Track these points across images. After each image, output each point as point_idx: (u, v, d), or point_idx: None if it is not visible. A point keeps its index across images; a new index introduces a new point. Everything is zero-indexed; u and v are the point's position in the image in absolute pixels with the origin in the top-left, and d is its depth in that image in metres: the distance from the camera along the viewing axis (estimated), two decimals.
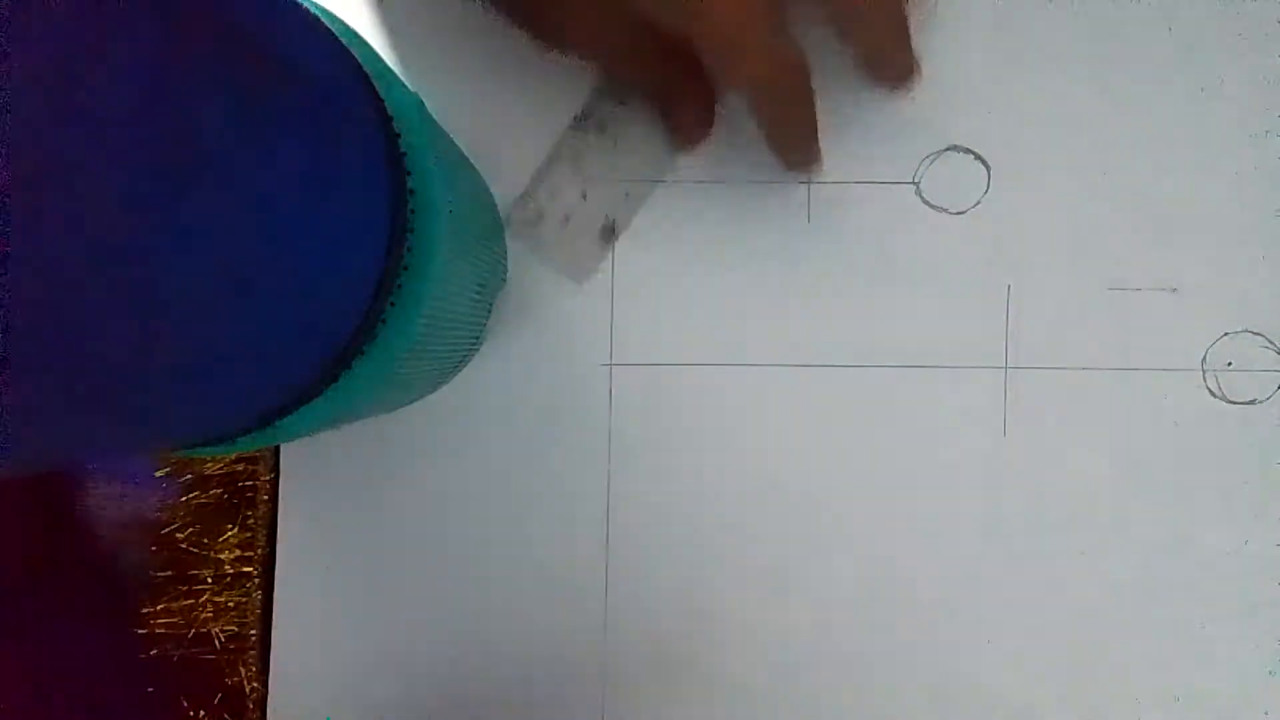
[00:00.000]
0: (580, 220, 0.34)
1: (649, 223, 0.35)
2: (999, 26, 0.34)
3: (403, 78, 0.24)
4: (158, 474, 0.36)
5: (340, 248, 0.21)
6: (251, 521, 0.35)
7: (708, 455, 0.35)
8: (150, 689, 0.35)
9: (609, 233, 0.34)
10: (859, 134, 0.34)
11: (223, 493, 0.36)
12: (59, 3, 0.13)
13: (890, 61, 0.31)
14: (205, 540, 0.36)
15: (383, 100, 0.23)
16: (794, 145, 0.32)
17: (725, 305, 0.35)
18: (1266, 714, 0.34)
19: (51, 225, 0.13)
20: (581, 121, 0.34)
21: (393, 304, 0.23)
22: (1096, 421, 0.34)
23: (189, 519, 0.36)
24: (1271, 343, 0.34)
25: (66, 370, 0.15)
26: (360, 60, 0.23)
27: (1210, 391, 0.34)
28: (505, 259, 0.34)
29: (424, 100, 0.25)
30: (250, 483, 0.35)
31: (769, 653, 0.35)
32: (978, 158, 0.34)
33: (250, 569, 0.35)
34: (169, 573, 0.36)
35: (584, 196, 0.34)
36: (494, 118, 0.35)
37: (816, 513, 0.35)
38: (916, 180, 0.34)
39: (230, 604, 0.35)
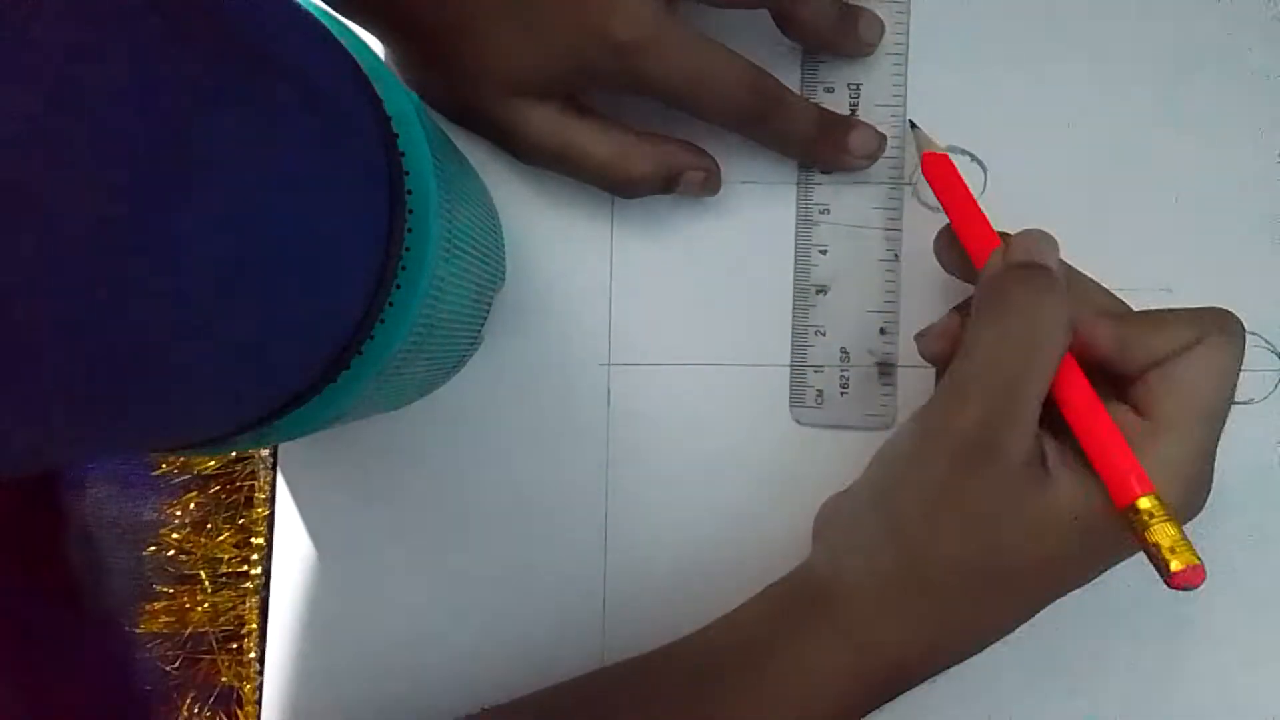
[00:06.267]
0: (855, 376, 0.34)
1: (648, 224, 0.35)
2: (996, 27, 0.35)
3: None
4: (155, 474, 0.36)
5: (338, 248, 0.21)
6: (249, 522, 0.35)
7: (705, 455, 0.35)
8: (147, 688, 0.35)
9: (887, 369, 0.34)
10: None
11: (221, 493, 0.36)
12: (60, 3, 0.13)
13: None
14: (203, 540, 0.36)
15: (381, 101, 0.23)
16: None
17: (724, 305, 0.35)
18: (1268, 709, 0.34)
19: (51, 225, 0.13)
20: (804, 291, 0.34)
21: (390, 304, 0.23)
22: None
23: (186, 519, 0.36)
24: (1268, 342, 0.34)
25: (66, 370, 0.15)
26: (359, 61, 0.23)
27: None
28: (503, 259, 0.34)
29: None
30: (249, 483, 0.35)
31: None
32: (974, 159, 0.34)
33: (247, 569, 0.35)
34: (166, 572, 0.36)
35: (844, 353, 0.34)
36: None
37: (812, 512, 0.35)
38: (913, 181, 0.34)
39: (227, 604, 0.35)
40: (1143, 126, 0.34)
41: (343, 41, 0.23)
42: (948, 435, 0.26)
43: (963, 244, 0.30)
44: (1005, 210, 0.34)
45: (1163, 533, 0.24)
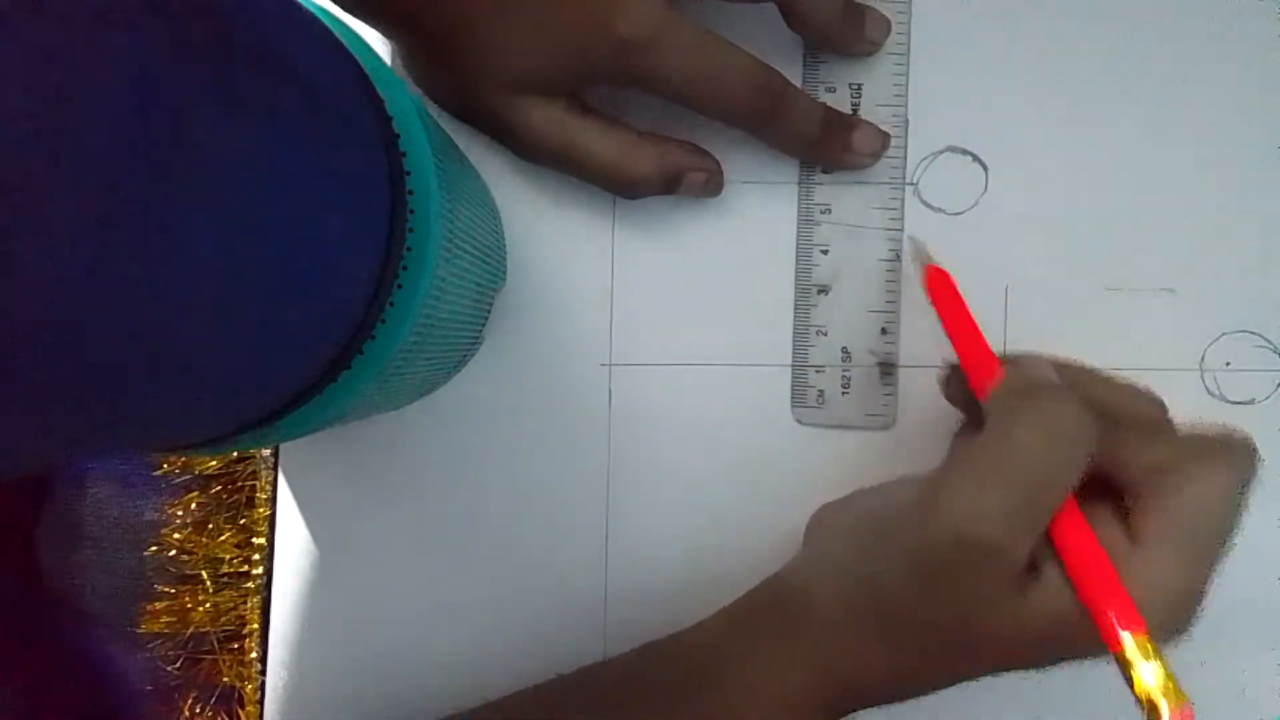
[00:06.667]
0: (857, 376, 0.34)
1: (650, 224, 0.35)
2: (996, 27, 0.35)
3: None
4: (156, 474, 0.36)
5: (339, 248, 0.21)
6: (250, 521, 0.35)
7: (706, 455, 0.35)
8: (149, 689, 0.35)
9: (888, 369, 0.34)
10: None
11: (222, 493, 0.36)
12: (61, 3, 0.13)
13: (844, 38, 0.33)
14: (204, 540, 0.36)
15: (383, 100, 0.23)
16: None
17: (725, 305, 0.35)
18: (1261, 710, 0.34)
19: (52, 225, 0.13)
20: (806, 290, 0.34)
21: (391, 304, 0.23)
22: None
23: (188, 519, 0.36)
24: (1269, 342, 0.34)
25: (66, 370, 0.15)
26: (360, 60, 0.23)
27: (1208, 391, 0.34)
28: (504, 259, 0.34)
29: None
30: (250, 483, 0.35)
31: None
32: (975, 159, 0.34)
33: (248, 569, 0.35)
34: (167, 572, 0.36)
35: (845, 353, 0.34)
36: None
37: (813, 510, 0.35)
38: (915, 181, 0.34)
39: (228, 604, 0.35)
40: (1144, 126, 0.34)
41: (344, 41, 0.23)
42: (959, 521, 0.25)
43: (960, 358, 0.29)
44: (1005, 210, 0.34)
45: (1153, 673, 0.23)
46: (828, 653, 0.27)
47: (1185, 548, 0.24)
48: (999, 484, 0.25)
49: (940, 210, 0.34)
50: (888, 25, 0.33)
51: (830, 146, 0.33)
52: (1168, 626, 0.24)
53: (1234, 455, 0.25)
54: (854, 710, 0.28)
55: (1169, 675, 0.23)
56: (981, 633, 0.26)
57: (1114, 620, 0.24)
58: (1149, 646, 0.23)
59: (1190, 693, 0.33)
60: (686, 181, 0.32)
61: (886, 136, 0.33)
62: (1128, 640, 0.23)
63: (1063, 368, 0.28)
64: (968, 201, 0.34)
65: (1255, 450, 0.25)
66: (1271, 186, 0.34)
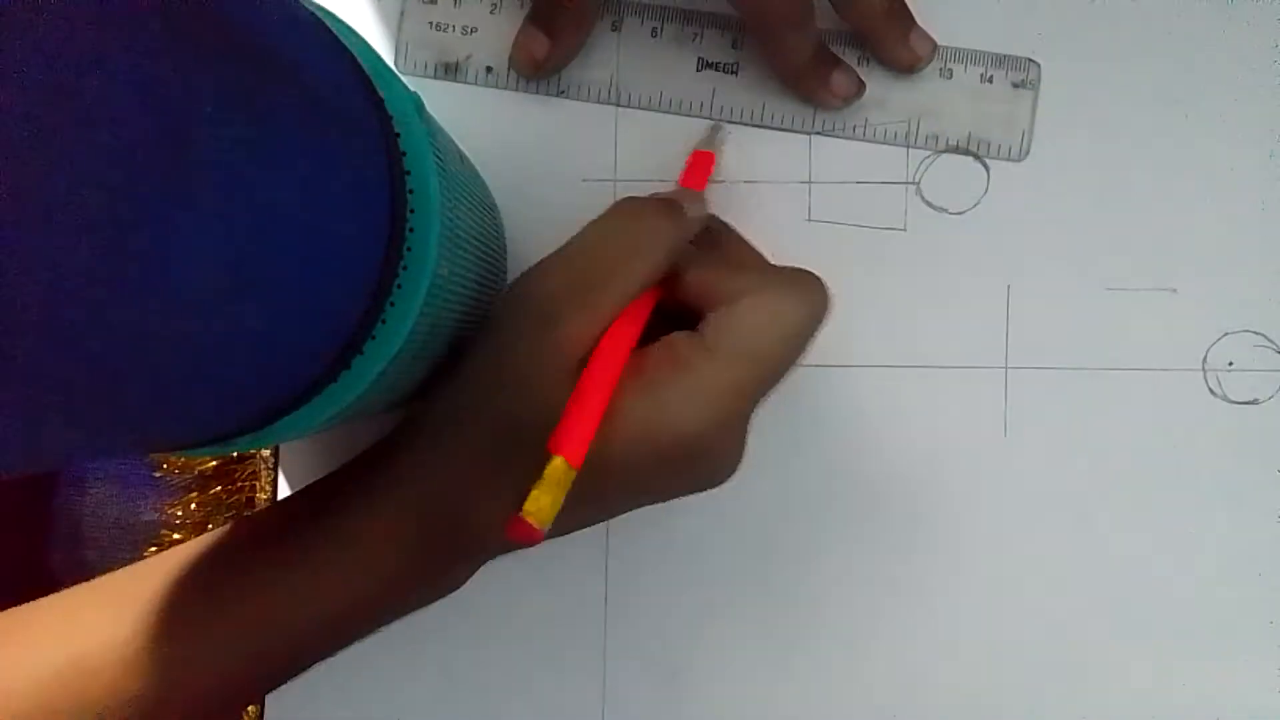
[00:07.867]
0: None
1: None
2: (996, 28, 0.34)
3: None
4: (157, 475, 0.36)
5: (339, 247, 0.21)
6: None
7: None
8: None
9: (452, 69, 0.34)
10: (859, 133, 0.34)
11: (222, 493, 0.36)
12: (61, 3, 0.13)
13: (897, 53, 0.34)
14: None
15: (382, 100, 0.23)
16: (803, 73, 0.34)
17: None
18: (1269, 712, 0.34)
19: (51, 225, 0.13)
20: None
21: (392, 304, 0.23)
22: (1096, 421, 0.34)
23: (188, 519, 0.36)
24: (1272, 342, 0.34)
25: (65, 370, 0.15)
26: (360, 60, 0.23)
27: (1211, 391, 0.34)
28: (504, 259, 0.34)
29: (423, 100, 0.25)
30: (250, 482, 0.35)
31: (767, 651, 0.35)
32: (977, 158, 0.34)
33: None
34: None
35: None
36: (495, 122, 0.35)
37: (815, 512, 0.35)
38: (917, 180, 0.34)
39: None
40: (1144, 126, 0.34)
41: (343, 40, 0.23)
42: (524, 285, 0.27)
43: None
44: (1006, 210, 0.34)
45: (549, 486, 0.24)
46: (410, 481, 0.27)
47: (740, 362, 0.26)
48: (568, 259, 0.28)
49: (942, 210, 0.34)
50: (933, 45, 0.33)
51: (809, 79, 0.33)
52: (700, 438, 0.26)
53: (804, 292, 0.28)
54: (465, 547, 0.28)
55: (555, 506, 0.24)
56: (526, 420, 0.26)
57: (573, 438, 0.25)
58: (568, 479, 0.24)
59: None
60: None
61: (862, 85, 0.34)
62: (557, 462, 0.24)
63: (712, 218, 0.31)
64: (969, 201, 0.34)
65: (825, 293, 0.28)
66: (1272, 186, 0.34)
